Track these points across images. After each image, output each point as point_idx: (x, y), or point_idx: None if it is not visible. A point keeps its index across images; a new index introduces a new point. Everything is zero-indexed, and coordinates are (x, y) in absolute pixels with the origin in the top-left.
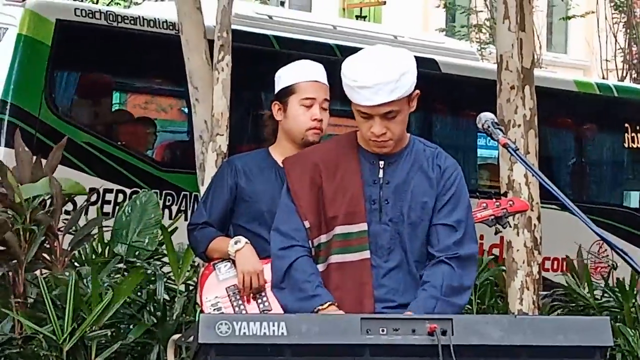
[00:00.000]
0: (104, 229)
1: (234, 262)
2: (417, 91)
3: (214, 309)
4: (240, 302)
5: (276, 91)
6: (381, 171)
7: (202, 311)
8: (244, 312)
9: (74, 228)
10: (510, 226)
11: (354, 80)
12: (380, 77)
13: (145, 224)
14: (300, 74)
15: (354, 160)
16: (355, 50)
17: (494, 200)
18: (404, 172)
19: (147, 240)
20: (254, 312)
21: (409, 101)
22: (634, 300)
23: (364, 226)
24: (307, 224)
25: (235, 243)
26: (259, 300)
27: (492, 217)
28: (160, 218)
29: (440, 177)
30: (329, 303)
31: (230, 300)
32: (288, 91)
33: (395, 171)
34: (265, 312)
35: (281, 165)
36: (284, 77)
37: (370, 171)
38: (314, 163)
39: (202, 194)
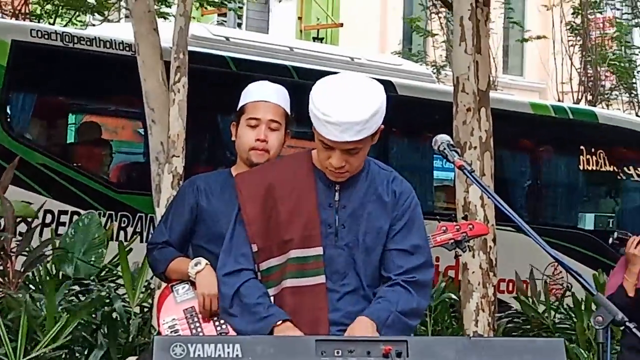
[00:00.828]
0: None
1: (192, 283)
2: (382, 126)
3: (171, 331)
4: (197, 324)
5: None
6: (337, 194)
7: (159, 333)
8: (201, 334)
9: (27, 249)
10: (470, 250)
11: (322, 113)
12: (350, 117)
13: (90, 244)
14: (251, 95)
15: (310, 181)
16: (312, 72)
17: (454, 224)
18: (359, 197)
19: (92, 259)
20: (211, 334)
21: (373, 136)
22: (588, 322)
23: (319, 250)
24: (254, 248)
25: (196, 265)
26: (217, 323)
27: (452, 240)
28: (104, 238)
29: (395, 202)
30: (283, 320)
31: (187, 322)
32: (239, 112)
33: (351, 195)
34: (222, 334)
35: None
36: (241, 98)
37: (326, 194)
38: (268, 182)
39: (160, 214)
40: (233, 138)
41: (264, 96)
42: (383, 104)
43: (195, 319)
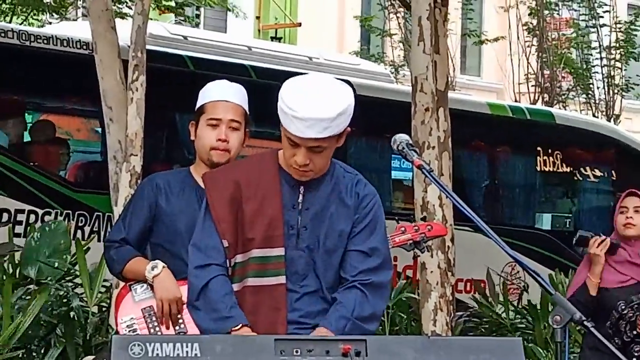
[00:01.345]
0: (15, 249)
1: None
2: (348, 128)
3: (129, 330)
4: (155, 323)
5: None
6: (301, 196)
7: (117, 332)
8: (159, 333)
9: None
10: (429, 250)
11: (290, 108)
12: (316, 113)
13: (54, 249)
14: (210, 94)
15: (275, 182)
16: (270, 71)
17: (413, 224)
18: (323, 199)
19: (56, 264)
20: (169, 333)
21: (339, 138)
22: (545, 322)
23: (281, 251)
24: (225, 243)
25: (153, 268)
26: (175, 324)
27: (411, 241)
28: (69, 244)
29: (357, 204)
30: (242, 325)
31: (145, 322)
32: (199, 111)
33: (314, 197)
34: (180, 334)
35: (201, 184)
36: (199, 97)
37: (290, 195)
38: (235, 181)
39: (118, 213)
40: (192, 137)
41: (224, 96)
42: (351, 106)
43: (154, 319)
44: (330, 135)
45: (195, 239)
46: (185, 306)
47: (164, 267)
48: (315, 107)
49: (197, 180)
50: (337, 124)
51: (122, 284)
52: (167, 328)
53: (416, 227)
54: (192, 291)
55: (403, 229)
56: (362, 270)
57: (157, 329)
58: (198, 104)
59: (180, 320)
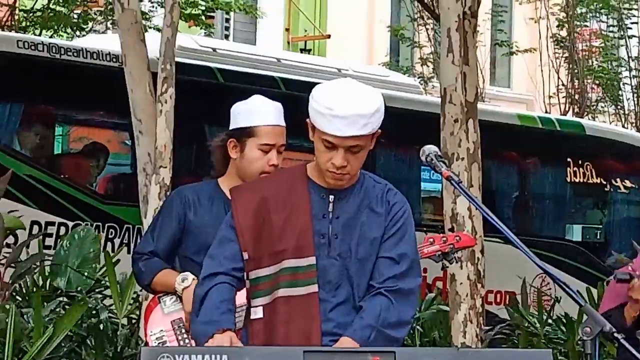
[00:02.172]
0: (45, 261)
1: (179, 295)
2: (379, 131)
3: (159, 342)
4: (185, 335)
5: (232, 126)
6: (331, 205)
7: (146, 344)
8: (188, 345)
9: (16, 261)
10: (457, 261)
11: (328, 108)
12: (356, 110)
13: (84, 258)
14: (261, 117)
15: (303, 193)
16: (299, 83)
17: (441, 235)
18: (353, 208)
19: (86, 274)
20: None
21: (372, 139)
22: (579, 335)
23: (312, 260)
24: (245, 256)
25: (183, 280)
26: None
27: (439, 252)
28: (99, 253)
29: (388, 212)
30: (224, 329)
31: (175, 334)
32: (247, 132)
33: (344, 206)
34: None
35: (229, 196)
36: (242, 114)
37: (320, 205)
38: (262, 197)
39: (147, 225)
40: (233, 156)
41: (275, 120)
42: (382, 105)
43: (183, 330)
44: (369, 132)
45: (211, 249)
46: None
47: (194, 279)
48: (353, 103)
49: (226, 192)
50: (375, 121)
51: (151, 295)
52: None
53: (444, 239)
54: (196, 298)
55: (431, 240)
56: (389, 277)
57: (187, 340)
58: (244, 123)
59: None
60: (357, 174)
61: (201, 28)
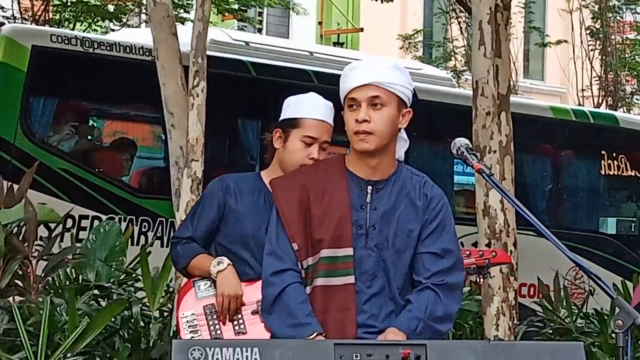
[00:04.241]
0: (77, 252)
1: (214, 281)
2: (410, 110)
3: (189, 326)
4: (216, 321)
5: (281, 118)
6: (369, 196)
7: (177, 326)
8: (219, 331)
9: (48, 254)
10: (491, 276)
11: (349, 67)
12: (373, 61)
13: (110, 251)
14: (309, 110)
15: (342, 183)
16: (332, 76)
17: (478, 250)
18: (391, 199)
19: (113, 266)
20: (228, 333)
21: (399, 108)
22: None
23: (349, 250)
24: (295, 246)
25: (218, 264)
26: (235, 323)
27: (474, 265)
28: (124, 246)
29: (426, 206)
30: (316, 334)
31: (206, 319)
32: (292, 123)
33: (383, 197)
34: (239, 334)
35: (270, 190)
36: (292, 106)
37: (358, 196)
38: (302, 185)
39: (180, 218)
40: (277, 145)
41: (323, 115)
42: (406, 74)
43: (214, 317)
44: (388, 84)
45: (268, 247)
46: (243, 307)
47: (229, 264)
48: (372, 59)
49: (268, 185)
50: (394, 78)
51: (185, 280)
52: (224, 324)
53: (481, 252)
54: (267, 298)
55: (468, 252)
56: (435, 272)
57: (217, 327)
58: (292, 114)
59: (241, 321)
60: (392, 163)
61: (235, 18)
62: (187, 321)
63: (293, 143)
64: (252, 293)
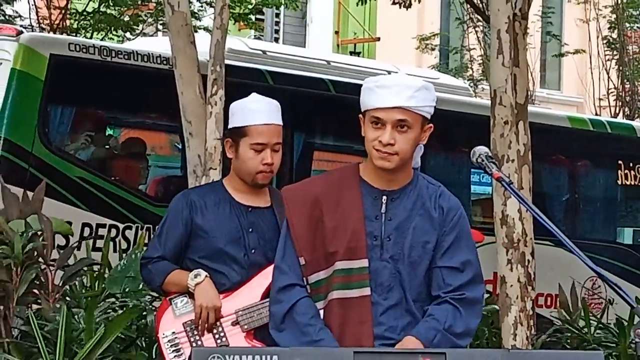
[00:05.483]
0: (93, 263)
1: (191, 296)
2: (431, 125)
3: (171, 345)
4: (197, 337)
5: (229, 126)
6: (384, 206)
7: (159, 346)
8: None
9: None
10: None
11: (375, 81)
12: (402, 81)
13: (137, 286)
14: (253, 116)
15: (356, 194)
16: (349, 85)
17: None
18: (406, 209)
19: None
20: (211, 346)
21: (422, 126)
22: (631, 337)
23: (364, 262)
24: (301, 261)
25: (195, 276)
26: (217, 336)
27: None
28: None
29: (443, 218)
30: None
31: (187, 336)
32: (240, 132)
33: (397, 207)
34: (222, 346)
35: (236, 197)
36: (236, 115)
37: (372, 206)
38: (315, 197)
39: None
40: (230, 156)
41: (267, 118)
42: (433, 91)
43: (195, 332)
44: (415, 106)
45: (277, 260)
46: (223, 319)
47: (206, 276)
48: (399, 77)
49: (232, 194)
50: (422, 99)
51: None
52: (202, 335)
53: None
54: (277, 314)
55: None
56: (455, 286)
57: (199, 343)
58: (237, 123)
59: (222, 333)
60: (408, 172)
61: (251, 28)
62: (169, 340)
63: (244, 152)
64: (231, 304)
